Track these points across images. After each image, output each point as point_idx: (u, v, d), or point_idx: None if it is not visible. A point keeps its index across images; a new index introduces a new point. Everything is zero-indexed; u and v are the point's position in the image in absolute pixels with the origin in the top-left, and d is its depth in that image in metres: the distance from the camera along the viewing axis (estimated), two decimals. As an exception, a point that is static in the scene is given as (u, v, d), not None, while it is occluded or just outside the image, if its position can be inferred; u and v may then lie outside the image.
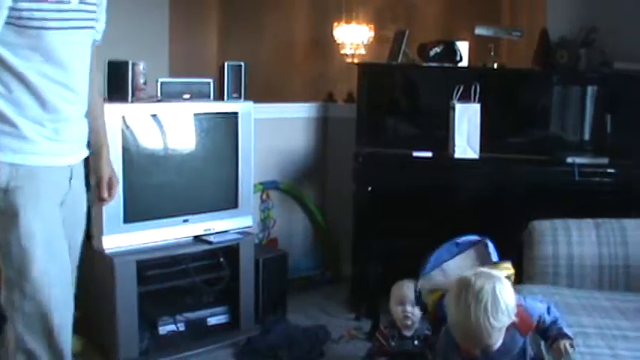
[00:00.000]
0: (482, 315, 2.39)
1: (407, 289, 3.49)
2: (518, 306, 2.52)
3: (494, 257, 2.87)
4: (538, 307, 2.66)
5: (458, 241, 2.91)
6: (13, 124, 2.38)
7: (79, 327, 3.75)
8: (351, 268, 4.52)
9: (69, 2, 2.42)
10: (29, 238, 2.42)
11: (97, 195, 2.82)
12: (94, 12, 2.55)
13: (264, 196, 4.70)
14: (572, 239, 3.41)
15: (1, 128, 2.38)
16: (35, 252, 2.43)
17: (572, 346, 2.52)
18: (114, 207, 3.47)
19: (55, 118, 2.44)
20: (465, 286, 2.45)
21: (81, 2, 2.46)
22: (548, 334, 2.62)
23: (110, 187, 2.81)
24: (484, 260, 2.81)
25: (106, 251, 3.52)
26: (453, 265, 2.79)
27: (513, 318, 2.47)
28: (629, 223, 3.46)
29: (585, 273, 3.38)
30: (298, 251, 4.84)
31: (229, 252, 3.96)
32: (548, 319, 2.63)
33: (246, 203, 4.05)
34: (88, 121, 2.67)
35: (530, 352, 2.63)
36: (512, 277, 2.73)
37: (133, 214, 3.59)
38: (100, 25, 2.66)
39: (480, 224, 3.92)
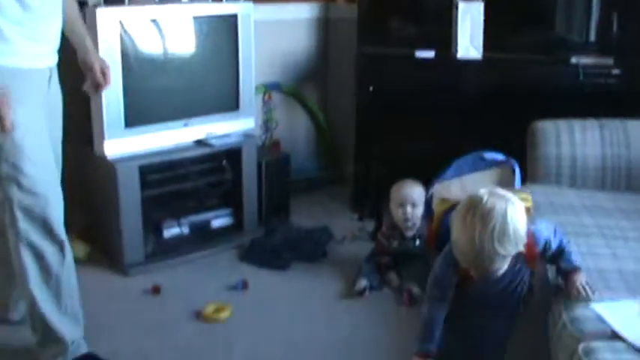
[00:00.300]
0: (488, 239, 2.19)
1: (406, 189, 3.51)
2: (528, 234, 2.32)
3: (518, 183, 2.75)
4: (545, 231, 2.46)
5: (485, 155, 2.76)
6: None
7: (83, 234, 3.83)
8: (354, 169, 4.53)
9: None
10: (21, 134, 2.48)
11: (94, 82, 2.88)
12: None
13: (266, 98, 4.66)
14: (576, 140, 3.41)
15: None
16: (27, 147, 2.50)
17: (592, 290, 2.35)
18: (115, 112, 3.48)
19: (32, 16, 2.46)
20: (474, 203, 2.25)
21: None
22: (558, 264, 2.49)
23: (104, 74, 2.87)
24: (506, 184, 2.61)
25: (108, 157, 3.52)
26: (473, 181, 2.63)
27: (521, 248, 2.28)
28: (633, 125, 3.45)
29: (588, 174, 3.39)
30: (301, 153, 4.84)
31: (232, 155, 3.96)
32: (554, 243, 2.46)
33: (248, 105, 4.02)
34: (65, 21, 2.69)
35: (534, 288, 2.52)
36: (531, 211, 2.51)
37: (134, 118, 3.57)
38: None
39: (483, 124, 3.95)
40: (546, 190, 3.27)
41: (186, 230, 3.91)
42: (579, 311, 2.30)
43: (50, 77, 2.65)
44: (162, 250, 3.78)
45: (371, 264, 3.60)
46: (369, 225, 4.15)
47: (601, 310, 2.28)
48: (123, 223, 3.56)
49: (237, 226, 4.05)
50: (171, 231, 3.87)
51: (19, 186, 2.52)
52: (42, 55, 2.58)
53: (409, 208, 3.48)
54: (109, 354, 2.87)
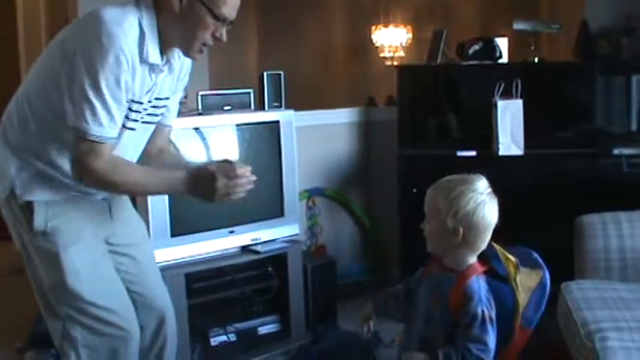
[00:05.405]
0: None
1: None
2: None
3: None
4: (484, 299, 2.23)
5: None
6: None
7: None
8: (400, 272, 4.49)
9: (141, 103, 2.41)
10: (74, 276, 2.39)
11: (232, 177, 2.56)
12: (163, 107, 2.58)
13: (310, 203, 4.69)
14: (624, 232, 3.36)
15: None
16: (84, 288, 2.40)
17: None
18: (161, 222, 3.53)
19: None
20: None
21: (149, 101, 2.47)
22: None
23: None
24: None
25: (155, 265, 3.53)
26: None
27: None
28: (682, 213, 3.43)
29: (639, 266, 3.32)
30: (347, 256, 4.82)
31: (277, 261, 3.96)
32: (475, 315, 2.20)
33: (292, 211, 4.05)
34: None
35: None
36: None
37: (180, 227, 3.61)
38: (172, 115, 2.69)
39: (528, 220, 3.90)
40: (596, 285, 3.20)
41: (233, 338, 3.89)
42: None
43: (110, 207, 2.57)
44: (209, 358, 3.74)
45: (421, 367, 3.53)
46: (418, 327, 4.08)
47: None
48: (170, 332, 3.54)
49: (284, 333, 4.02)
50: (217, 338, 3.84)
51: (83, 327, 2.42)
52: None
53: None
54: None
